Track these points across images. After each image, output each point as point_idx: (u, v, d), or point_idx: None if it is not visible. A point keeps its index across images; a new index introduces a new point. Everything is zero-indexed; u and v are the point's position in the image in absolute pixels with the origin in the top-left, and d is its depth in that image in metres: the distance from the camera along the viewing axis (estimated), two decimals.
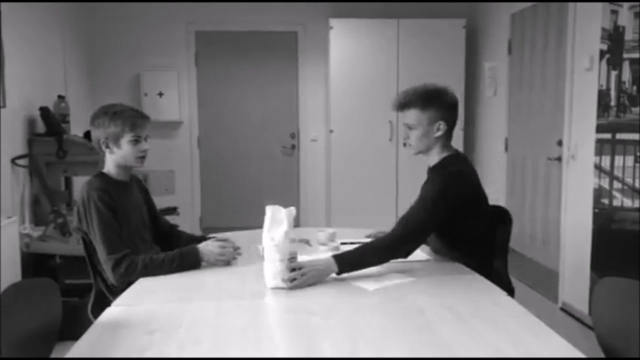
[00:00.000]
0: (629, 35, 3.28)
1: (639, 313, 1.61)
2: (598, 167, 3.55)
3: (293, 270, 2.00)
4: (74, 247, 3.35)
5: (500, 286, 2.01)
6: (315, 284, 2.03)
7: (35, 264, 3.54)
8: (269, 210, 2.03)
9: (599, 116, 3.54)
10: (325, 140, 5.91)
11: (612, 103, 3.43)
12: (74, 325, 1.84)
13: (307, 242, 2.60)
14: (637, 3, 3.22)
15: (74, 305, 2.66)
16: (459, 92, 5.19)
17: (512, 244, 2.58)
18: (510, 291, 2.23)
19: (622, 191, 3.36)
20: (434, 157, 2.34)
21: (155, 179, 4.78)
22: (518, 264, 4.25)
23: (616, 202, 3.40)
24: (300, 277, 2.00)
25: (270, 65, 6.00)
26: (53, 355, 1.71)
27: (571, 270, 3.89)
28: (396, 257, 2.19)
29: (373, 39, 5.56)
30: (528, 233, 4.73)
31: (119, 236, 2.23)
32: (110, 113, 2.29)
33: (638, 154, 3.23)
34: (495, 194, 4.81)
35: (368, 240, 2.44)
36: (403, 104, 2.30)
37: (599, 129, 3.54)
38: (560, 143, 4.09)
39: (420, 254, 2.39)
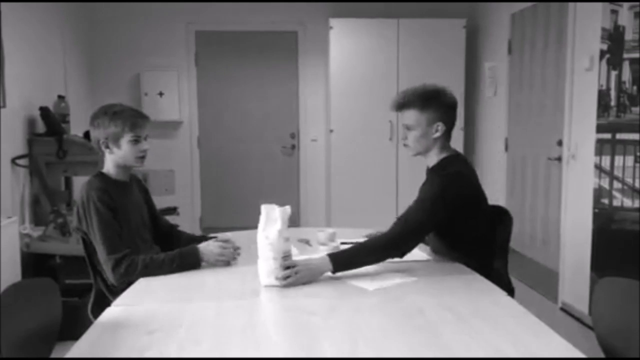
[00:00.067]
0: (629, 35, 3.28)
1: (639, 313, 1.61)
2: (598, 167, 3.55)
3: (287, 268, 2.02)
4: (74, 247, 3.35)
5: (500, 286, 2.01)
6: (310, 283, 2.04)
7: (35, 264, 3.54)
8: (264, 209, 2.06)
9: (599, 116, 3.54)
10: (325, 140, 5.91)
11: (612, 103, 3.43)
12: (74, 325, 1.84)
13: (307, 242, 2.60)
14: (637, 3, 3.22)
15: (74, 305, 2.66)
16: (459, 92, 5.21)
17: (512, 244, 2.58)
18: (510, 291, 2.23)
19: (622, 191, 3.36)
20: (433, 158, 2.33)
21: (155, 179, 4.77)
22: (518, 264, 4.25)
23: (616, 202, 3.40)
24: (294, 275, 2.01)
25: (270, 65, 6.00)
26: (53, 355, 1.71)
27: (571, 270, 3.89)
28: (392, 257, 2.18)
29: (373, 39, 5.56)
30: (528, 233, 4.73)
31: (119, 236, 2.23)
32: (110, 113, 2.29)
33: (638, 154, 3.23)
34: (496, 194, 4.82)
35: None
36: (402, 104, 2.30)
37: (599, 129, 3.54)
38: (560, 143, 4.09)
39: (420, 254, 2.39)
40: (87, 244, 2.32)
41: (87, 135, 3.88)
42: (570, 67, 3.92)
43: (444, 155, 2.32)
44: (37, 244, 3.56)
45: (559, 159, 4.11)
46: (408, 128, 2.31)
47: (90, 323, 1.72)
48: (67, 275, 3.48)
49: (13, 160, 3.81)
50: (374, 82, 5.52)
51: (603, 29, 3.49)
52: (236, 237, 2.50)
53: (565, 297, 3.93)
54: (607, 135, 3.47)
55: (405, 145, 2.38)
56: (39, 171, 4.01)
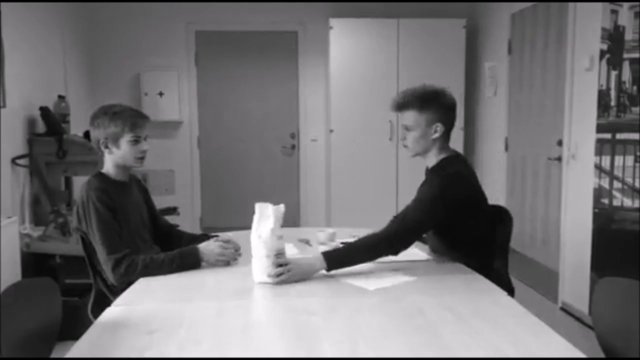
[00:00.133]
0: (629, 35, 3.28)
1: (639, 313, 1.61)
2: (598, 167, 3.55)
3: (280, 266, 2.02)
4: (74, 247, 3.35)
5: (500, 286, 2.01)
6: (303, 280, 2.04)
7: (35, 264, 3.54)
8: (258, 207, 2.07)
9: (599, 116, 3.54)
10: (325, 140, 5.91)
11: (612, 103, 3.43)
12: (74, 325, 1.85)
13: (307, 242, 2.60)
14: (637, 3, 3.22)
15: (74, 305, 2.66)
16: (458, 92, 5.22)
17: (512, 244, 2.58)
18: (510, 291, 2.23)
19: (622, 191, 3.36)
20: (432, 158, 2.33)
21: (155, 179, 4.78)
22: (518, 264, 4.25)
23: (616, 202, 3.40)
24: (286, 272, 2.02)
25: (270, 65, 6.00)
26: (53, 355, 1.71)
27: (571, 270, 3.89)
28: (387, 255, 2.18)
29: (373, 38, 5.56)
30: (528, 233, 4.72)
31: (119, 236, 2.23)
32: (110, 113, 2.29)
33: (638, 153, 3.23)
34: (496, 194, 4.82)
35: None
36: (401, 105, 2.30)
37: (599, 128, 3.54)
38: (560, 143, 4.09)
39: (420, 253, 2.39)
40: (87, 244, 2.32)
41: (87, 135, 3.88)
42: (570, 67, 3.92)
43: (443, 155, 2.32)
44: (37, 244, 3.56)
45: (559, 159, 4.11)
46: (407, 129, 2.31)
47: (90, 323, 1.72)
48: (67, 275, 3.48)
49: (13, 160, 3.81)
50: (374, 82, 5.52)
51: (603, 29, 3.49)
52: (236, 237, 2.49)
53: (565, 297, 3.93)
54: (607, 135, 3.47)
55: (404, 145, 2.38)
56: (39, 171, 4.01)
